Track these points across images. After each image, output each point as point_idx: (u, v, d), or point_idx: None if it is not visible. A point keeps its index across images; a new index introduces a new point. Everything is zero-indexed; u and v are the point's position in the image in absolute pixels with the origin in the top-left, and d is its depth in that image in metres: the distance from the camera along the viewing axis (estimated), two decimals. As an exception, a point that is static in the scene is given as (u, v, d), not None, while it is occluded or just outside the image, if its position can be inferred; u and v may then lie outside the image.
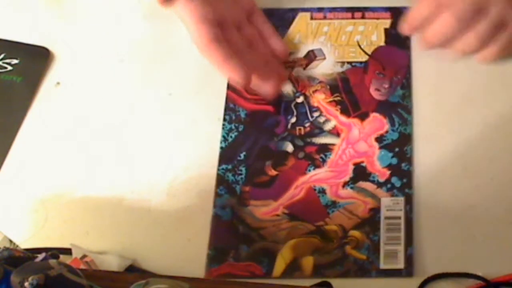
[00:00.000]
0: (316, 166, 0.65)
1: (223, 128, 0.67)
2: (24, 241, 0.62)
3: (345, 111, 0.68)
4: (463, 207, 0.63)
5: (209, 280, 0.56)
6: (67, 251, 0.60)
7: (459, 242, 0.61)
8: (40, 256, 0.46)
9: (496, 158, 0.65)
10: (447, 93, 0.69)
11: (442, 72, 0.70)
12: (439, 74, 0.70)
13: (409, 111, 0.67)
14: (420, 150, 0.66)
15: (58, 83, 0.72)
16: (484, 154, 0.66)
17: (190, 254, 0.62)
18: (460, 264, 0.60)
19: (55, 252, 0.47)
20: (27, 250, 0.50)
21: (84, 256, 0.60)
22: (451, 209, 0.63)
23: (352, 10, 0.73)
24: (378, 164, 0.65)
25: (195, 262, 0.61)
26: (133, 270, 0.60)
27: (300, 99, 0.68)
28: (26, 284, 0.40)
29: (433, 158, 0.65)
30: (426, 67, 0.70)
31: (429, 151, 0.66)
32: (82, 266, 0.58)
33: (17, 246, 0.60)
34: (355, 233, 0.61)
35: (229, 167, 0.65)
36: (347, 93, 0.69)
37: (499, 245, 0.61)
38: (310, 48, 0.72)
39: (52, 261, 0.44)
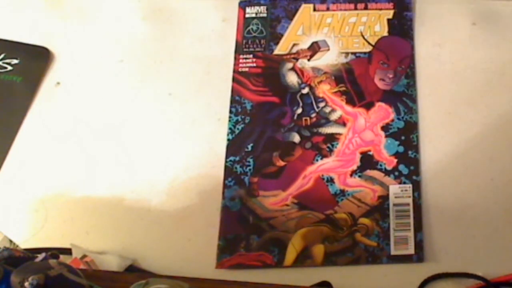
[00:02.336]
0: (324, 156, 0.65)
1: (229, 120, 0.68)
2: (24, 241, 0.62)
3: (350, 101, 0.68)
4: (463, 207, 0.63)
5: (209, 280, 0.56)
6: (67, 251, 0.61)
7: (459, 242, 0.61)
8: (40, 256, 0.46)
9: (496, 158, 0.65)
10: (449, 90, 0.69)
11: (444, 67, 0.70)
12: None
13: (414, 100, 0.68)
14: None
15: (58, 83, 0.72)
16: (484, 154, 0.66)
17: (190, 254, 0.62)
18: (460, 264, 0.60)
19: (55, 252, 0.47)
20: (27, 250, 0.50)
21: (84, 256, 0.60)
22: (451, 209, 0.63)
23: (355, 1, 0.74)
24: (385, 152, 0.65)
25: (195, 262, 0.61)
26: (133, 270, 0.60)
27: (305, 90, 0.69)
28: (26, 284, 0.40)
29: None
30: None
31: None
32: (82, 266, 0.58)
33: (17, 246, 0.60)
34: (365, 221, 0.62)
35: (237, 158, 0.66)
36: (352, 83, 0.69)
37: (499, 245, 0.61)
38: (314, 39, 0.72)
39: (52, 261, 0.44)
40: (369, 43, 0.72)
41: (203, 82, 0.71)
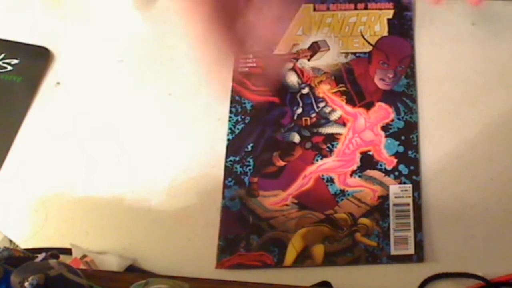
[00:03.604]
0: (324, 156, 0.66)
1: (229, 120, 0.68)
2: (24, 241, 0.62)
3: (350, 101, 0.68)
4: (463, 207, 0.63)
5: (209, 280, 0.56)
6: (67, 251, 0.61)
7: (459, 242, 0.61)
8: (40, 256, 0.46)
9: (496, 158, 0.65)
10: (449, 90, 0.69)
11: (444, 67, 0.70)
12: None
13: (414, 100, 0.68)
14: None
15: (58, 83, 0.72)
16: (484, 154, 0.66)
17: (190, 254, 0.62)
18: (460, 264, 0.60)
19: (55, 252, 0.47)
20: (27, 250, 0.50)
21: (84, 256, 0.60)
22: (450, 209, 0.63)
23: (355, 1, 0.74)
24: (385, 152, 0.65)
25: (195, 262, 0.61)
26: (133, 270, 0.60)
27: (305, 90, 0.69)
28: (26, 284, 0.40)
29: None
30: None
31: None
32: (82, 266, 0.58)
33: (17, 246, 0.60)
34: (365, 221, 0.62)
35: (237, 158, 0.66)
36: (352, 83, 0.69)
37: (499, 245, 0.61)
38: (314, 39, 0.72)
39: (52, 261, 0.44)
40: (369, 43, 0.72)
41: (203, 82, 0.71)
